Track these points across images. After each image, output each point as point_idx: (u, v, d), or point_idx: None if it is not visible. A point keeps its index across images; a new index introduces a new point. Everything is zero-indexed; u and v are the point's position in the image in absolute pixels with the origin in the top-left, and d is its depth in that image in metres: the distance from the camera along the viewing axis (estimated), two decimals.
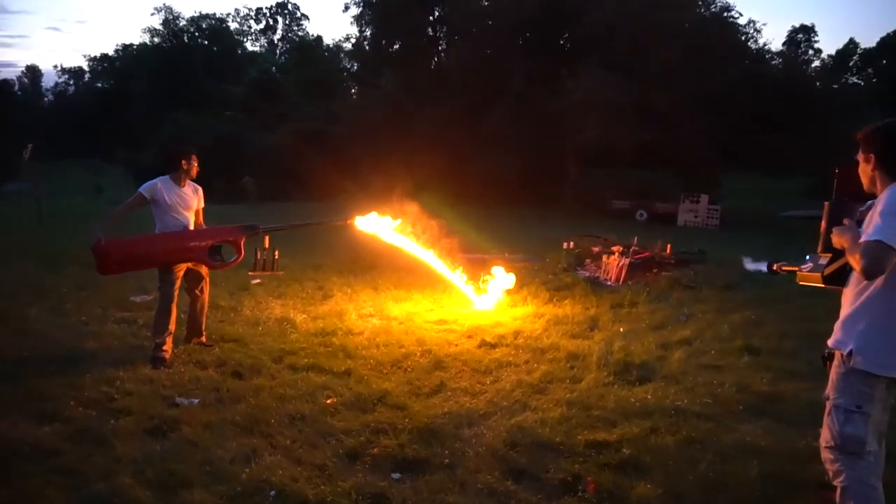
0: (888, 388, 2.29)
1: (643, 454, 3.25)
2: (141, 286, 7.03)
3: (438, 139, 27.15)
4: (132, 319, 5.82)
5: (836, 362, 2.35)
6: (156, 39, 52.58)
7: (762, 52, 26.34)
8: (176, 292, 4.69)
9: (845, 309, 2.37)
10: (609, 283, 8.18)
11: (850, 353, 2.27)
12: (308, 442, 3.41)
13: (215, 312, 6.15)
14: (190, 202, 4.79)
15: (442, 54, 30.47)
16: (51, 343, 5.07)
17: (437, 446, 3.32)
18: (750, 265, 3.49)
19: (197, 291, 4.95)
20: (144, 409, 3.77)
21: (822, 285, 2.46)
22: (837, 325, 2.38)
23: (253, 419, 3.66)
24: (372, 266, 8.73)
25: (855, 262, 2.15)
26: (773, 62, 26.67)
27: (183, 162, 4.72)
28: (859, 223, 2.29)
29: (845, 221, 2.31)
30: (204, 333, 5.09)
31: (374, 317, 6.18)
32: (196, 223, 4.91)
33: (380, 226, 5.80)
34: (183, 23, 53.03)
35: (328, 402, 3.93)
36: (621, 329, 5.84)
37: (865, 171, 2.35)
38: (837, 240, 2.30)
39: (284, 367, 4.63)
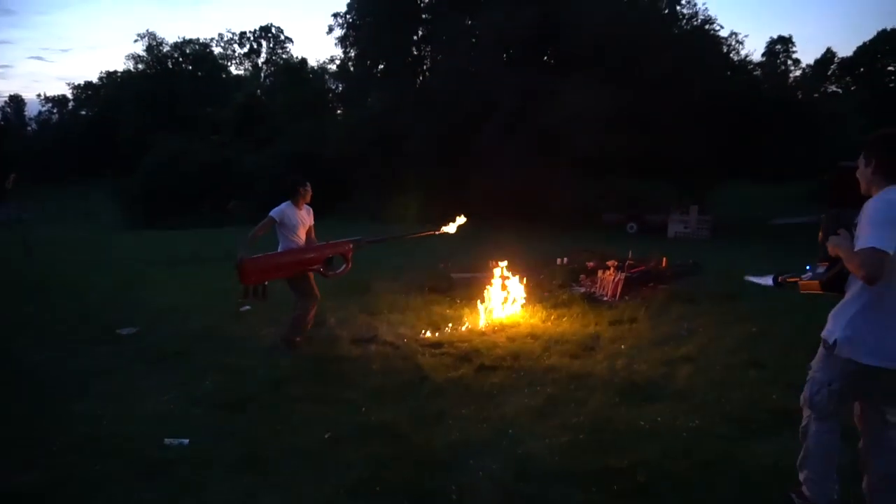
0: (866, 374, 2.50)
1: (659, 480, 3.11)
2: (129, 319, 6.83)
3: (428, 157, 27.15)
4: (118, 353, 5.62)
5: (823, 345, 2.66)
6: (140, 66, 52.54)
7: (744, 62, 26.67)
8: (315, 288, 5.82)
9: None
10: (606, 298, 8.06)
11: (834, 343, 2.55)
12: (307, 479, 3.24)
13: (202, 341, 5.98)
14: (306, 222, 5.93)
15: (427, 73, 30.55)
16: (32, 379, 4.87)
17: (443, 479, 3.17)
18: (757, 280, 3.41)
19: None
20: (132, 450, 3.58)
21: (823, 292, 2.71)
22: (830, 316, 2.65)
23: (248, 457, 3.49)
24: (366, 289, 8.56)
25: (855, 269, 2.37)
26: (755, 73, 27.00)
27: (300, 190, 5.87)
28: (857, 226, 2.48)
29: (839, 232, 2.53)
30: (306, 332, 5.96)
31: (371, 342, 6.00)
32: (309, 238, 5.98)
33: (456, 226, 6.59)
34: (166, 48, 53.04)
35: (327, 436, 3.76)
36: (623, 346, 5.71)
37: (865, 174, 2.56)
38: (833, 249, 2.53)
39: (278, 397, 4.46)
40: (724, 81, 21.37)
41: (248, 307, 7.47)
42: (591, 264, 9.59)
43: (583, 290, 8.62)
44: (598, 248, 11.26)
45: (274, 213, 5.80)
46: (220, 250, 14.31)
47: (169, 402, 4.37)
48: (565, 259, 10.43)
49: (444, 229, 6.57)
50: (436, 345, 5.81)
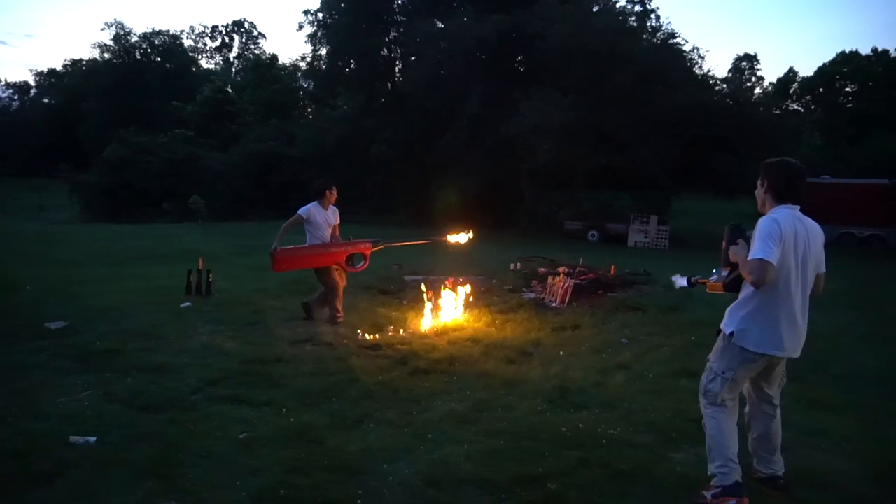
0: (761, 361, 2.95)
1: (569, 489, 3.08)
2: (60, 313, 6.60)
3: (395, 161, 27.09)
4: (42, 349, 5.40)
5: (720, 337, 3.03)
6: (106, 55, 51.23)
7: (706, 77, 27.17)
8: (337, 279, 6.59)
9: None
10: (554, 304, 8.09)
11: (731, 334, 2.94)
12: (212, 483, 3.12)
13: (137, 339, 5.79)
14: (331, 221, 6.72)
15: (398, 76, 30.46)
16: None
17: (351, 485, 3.08)
18: (677, 281, 3.71)
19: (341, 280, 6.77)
20: (35, 450, 3.42)
21: (725, 292, 3.10)
22: (727, 311, 3.03)
23: (156, 459, 3.36)
24: (313, 288, 8.44)
25: (746, 275, 2.80)
26: (717, 87, 27.52)
27: (327, 192, 6.66)
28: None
29: (738, 242, 2.94)
30: (340, 311, 6.73)
31: (307, 342, 5.90)
32: (333, 235, 6.75)
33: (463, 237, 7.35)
34: (135, 38, 51.81)
35: (241, 436, 3.65)
36: (561, 353, 5.71)
37: (759, 194, 3.03)
38: (733, 257, 2.95)
39: (202, 398, 4.32)
40: (686, 95, 21.71)
41: (188, 304, 7.30)
42: (542, 270, 9.64)
43: (533, 296, 8.64)
44: (552, 256, 11.31)
45: (302, 210, 6.60)
46: (176, 248, 14.07)
47: (84, 399, 4.20)
48: (518, 264, 10.51)
49: (455, 239, 7.35)
50: (374, 346, 5.75)
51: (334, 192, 6.74)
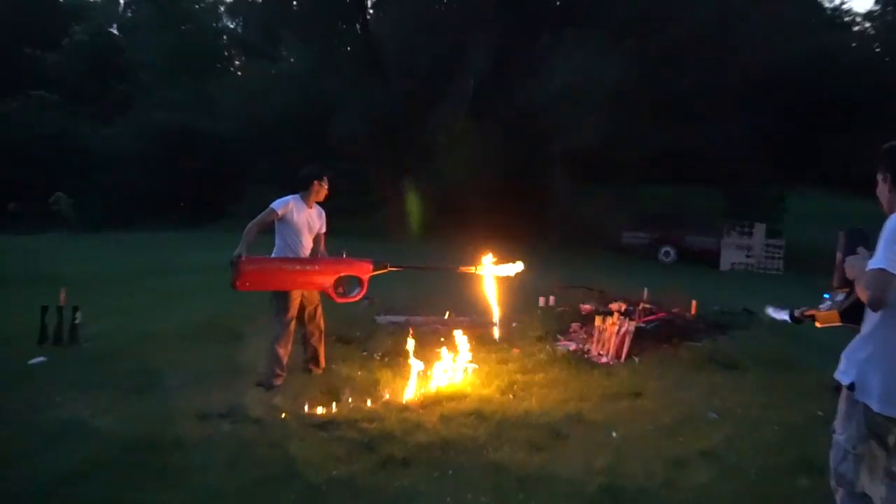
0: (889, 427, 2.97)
1: None
2: None
3: (365, 142, 27.07)
4: None
5: (841, 394, 3.14)
6: None
7: (837, 12, 27.01)
8: (293, 324, 6.76)
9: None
10: (605, 359, 8.11)
11: (850, 386, 3.05)
12: None
13: None
14: (314, 225, 6.89)
15: (369, 13, 30.67)
16: None
17: None
18: (774, 314, 3.86)
19: (315, 319, 7.07)
20: None
21: (842, 324, 3.19)
22: (843, 354, 3.16)
23: None
24: (236, 335, 8.39)
25: (861, 293, 2.90)
26: (856, 28, 27.41)
27: (315, 183, 6.83)
28: None
29: (858, 251, 3.05)
30: (322, 363, 7.13)
31: (225, 418, 5.85)
32: (317, 249, 6.98)
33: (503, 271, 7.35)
34: None
35: None
36: (614, 434, 5.68)
37: (883, 192, 3.20)
38: (851, 271, 3.05)
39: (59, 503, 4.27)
40: (803, 45, 21.74)
41: (42, 359, 7.25)
42: (586, 308, 9.66)
43: (572, 345, 8.67)
44: (601, 285, 11.32)
45: (277, 204, 6.67)
46: (25, 272, 13.95)
47: None
48: (551, 299, 10.53)
49: (498, 270, 7.34)
50: (327, 424, 5.72)
51: (325, 185, 6.93)
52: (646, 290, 10.17)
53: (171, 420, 5.76)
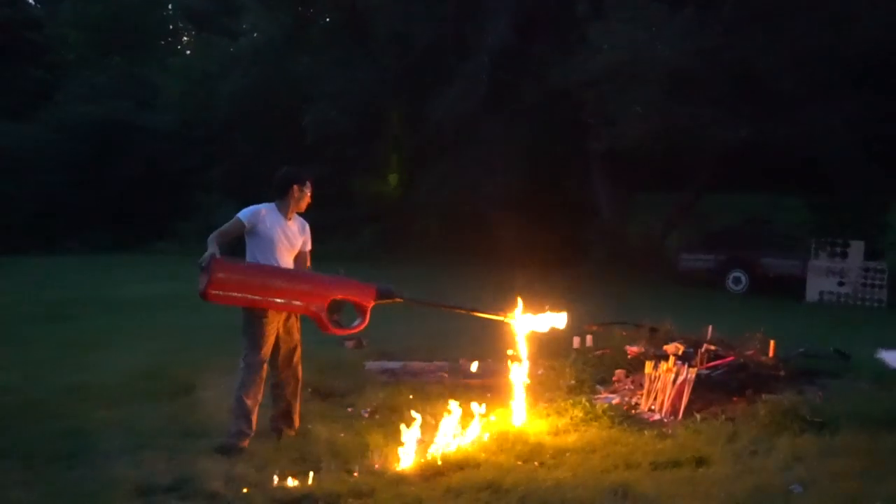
0: None
1: None
2: None
3: (350, 138, 26.98)
4: None
5: None
6: None
7: None
8: (264, 367, 6.82)
9: None
10: (657, 416, 8.19)
11: None
12: None
13: None
14: (294, 241, 6.94)
15: None
16: None
17: None
18: (889, 360, 3.75)
19: (292, 364, 7.10)
20: None
21: None
22: None
23: None
24: (185, 387, 8.60)
25: None
26: None
27: (294, 188, 6.87)
28: None
29: None
30: (296, 422, 7.20)
31: (173, 492, 5.92)
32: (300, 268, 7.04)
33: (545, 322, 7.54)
34: None
35: None
36: None
37: None
38: None
39: None
40: None
41: None
42: (633, 350, 9.67)
43: (616, 398, 8.77)
44: (653, 321, 11.33)
45: (244, 214, 6.73)
46: None
47: None
48: (589, 339, 10.52)
49: (536, 323, 7.52)
50: (301, 500, 5.79)
51: (308, 189, 7.03)
52: (710, 328, 10.16)
53: (103, 496, 5.78)
